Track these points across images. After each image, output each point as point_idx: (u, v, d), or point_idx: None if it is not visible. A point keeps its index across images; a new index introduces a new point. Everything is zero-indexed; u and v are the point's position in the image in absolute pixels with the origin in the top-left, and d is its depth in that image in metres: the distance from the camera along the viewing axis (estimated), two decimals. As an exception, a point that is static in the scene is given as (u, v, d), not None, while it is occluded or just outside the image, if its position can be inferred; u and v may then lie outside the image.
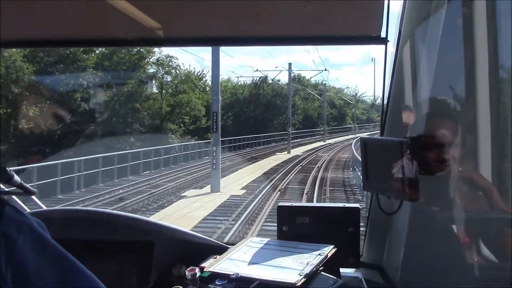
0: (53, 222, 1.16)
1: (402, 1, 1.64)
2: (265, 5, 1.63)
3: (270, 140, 46.56)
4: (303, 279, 1.52)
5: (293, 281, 1.51)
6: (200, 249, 1.89)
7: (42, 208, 2.23)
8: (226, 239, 9.51)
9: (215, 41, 2.10)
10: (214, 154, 18.38)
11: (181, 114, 38.33)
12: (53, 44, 2.77)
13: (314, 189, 17.61)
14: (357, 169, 19.72)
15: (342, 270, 1.82)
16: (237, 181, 20.34)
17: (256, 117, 53.91)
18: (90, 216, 2.09)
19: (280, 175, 21.80)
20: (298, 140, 51.44)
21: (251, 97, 55.75)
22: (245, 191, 17.48)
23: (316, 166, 25.43)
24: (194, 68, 63.62)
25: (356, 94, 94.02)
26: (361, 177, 2.22)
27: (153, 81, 36.47)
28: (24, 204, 2.21)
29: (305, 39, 1.86)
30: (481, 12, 1.40)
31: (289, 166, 25.56)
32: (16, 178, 1.37)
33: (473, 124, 1.45)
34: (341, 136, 66.39)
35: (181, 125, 38.21)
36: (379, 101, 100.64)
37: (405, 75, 1.77)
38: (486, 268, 1.42)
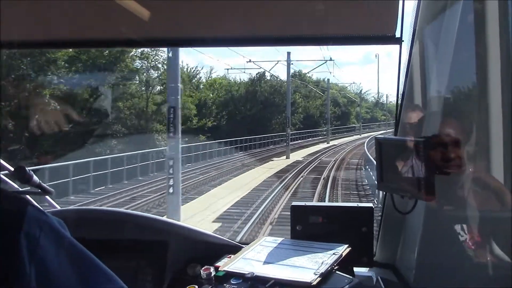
0: (68, 222, 1.18)
1: (417, 1, 1.64)
2: (279, 4, 1.63)
3: (268, 142, 43.47)
4: (319, 278, 1.52)
5: (309, 280, 1.51)
6: (214, 248, 1.90)
7: (57, 208, 2.25)
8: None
9: (226, 42, 2.10)
10: (171, 171, 11.99)
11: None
12: (54, 45, 2.78)
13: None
14: (369, 169, 18.89)
15: (356, 269, 1.82)
16: (207, 209, 14.27)
17: (253, 116, 50.20)
18: (105, 215, 2.11)
19: (274, 194, 15.89)
20: (299, 141, 48.63)
21: (247, 94, 51.98)
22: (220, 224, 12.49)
23: (322, 178, 19.81)
24: (187, 64, 60.29)
25: (360, 92, 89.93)
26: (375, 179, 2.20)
27: (137, 77, 33.00)
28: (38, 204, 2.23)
29: (319, 39, 1.86)
30: (494, 11, 1.40)
31: (287, 179, 19.87)
32: (35, 178, 1.39)
33: (486, 123, 1.45)
34: (345, 137, 63.55)
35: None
36: (383, 99, 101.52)
37: (420, 75, 1.77)
38: (499, 268, 1.42)
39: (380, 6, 1.60)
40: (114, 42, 2.16)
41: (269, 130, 47.90)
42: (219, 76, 53.12)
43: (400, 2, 1.55)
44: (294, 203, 1.98)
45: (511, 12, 1.36)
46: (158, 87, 35.34)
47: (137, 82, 33.50)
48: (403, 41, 1.67)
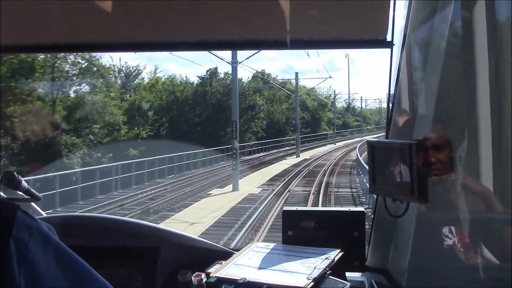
0: (56, 229, 1.16)
1: (407, 5, 1.65)
2: (269, 8, 1.63)
3: (218, 157, 32.67)
4: (312, 283, 1.51)
5: (302, 285, 1.50)
6: (205, 254, 1.87)
7: (42, 215, 2.21)
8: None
9: (217, 45, 2.10)
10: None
11: (87, 121, 26.91)
12: (51, 49, 2.76)
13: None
14: (361, 174, 18.64)
15: (348, 274, 1.82)
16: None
17: (202, 123, 40.84)
18: (93, 222, 2.08)
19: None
20: (259, 155, 39.10)
21: (196, 96, 41.67)
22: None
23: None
24: (125, 63, 48.28)
25: (330, 95, 77.99)
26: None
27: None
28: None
29: (310, 43, 1.86)
30: (482, 17, 1.42)
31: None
32: (24, 183, 1.36)
33: (476, 126, 1.46)
34: (317, 146, 54.18)
35: (89, 137, 26.94)
36: (355, 103, 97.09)
37: (411, 78, 1.78)
38: (491, 270, 1.43)
39: (372, 10, 1.61)
40: (112, 47, 2.14)
41: (222, 142, 38.15)
42: (165, 77, 43.78)
43: (391, 7, 1.56)
44: (285, 208, 1.96)
45: (499, 17, 1.38)
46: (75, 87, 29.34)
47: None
48: (394, 44, 1.68)
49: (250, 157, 37.89)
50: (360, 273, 1.92)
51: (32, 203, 2.08)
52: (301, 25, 1.73)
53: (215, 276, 1.63)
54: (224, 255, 1.82)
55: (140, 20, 1.76)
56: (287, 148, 48.20)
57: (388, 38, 1.67)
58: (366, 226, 1.89)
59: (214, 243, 1.99)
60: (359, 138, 67.73)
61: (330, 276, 1.60)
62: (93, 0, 1.62)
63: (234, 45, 2.08)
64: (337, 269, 1.68)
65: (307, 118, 63.51)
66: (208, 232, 12.31)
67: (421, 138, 1.52)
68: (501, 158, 1.39)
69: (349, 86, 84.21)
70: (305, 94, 65.96)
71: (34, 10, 1.68)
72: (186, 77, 57.19)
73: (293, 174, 25.19)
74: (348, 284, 1.57)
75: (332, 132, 67.74)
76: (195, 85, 44.64)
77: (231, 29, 1.82)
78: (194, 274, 1.66)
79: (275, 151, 45.00)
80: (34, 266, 1.00)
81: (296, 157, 38.10)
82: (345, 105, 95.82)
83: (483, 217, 1.49)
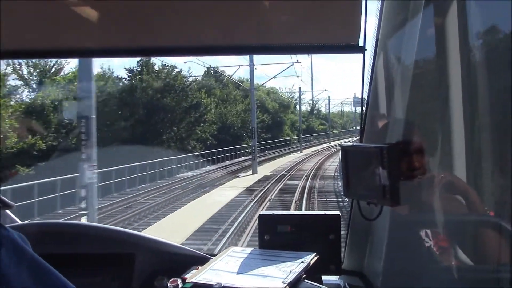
0: (30, 237, 1.14)
1: (379, 10, 1.67)
2: (244, 14, 1.64)
3: (155, 172, 25.46)
4: (287, 287, 1.51)
5: None
6: (181, 260, 1.87)
7: (17, 222, 2.17)
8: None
9: (197, 51, 2.10)
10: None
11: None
12: (53, 55, 2.72)
13: None
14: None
15: (324, 277, 1.83)
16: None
17: (133, 127, 31.18)
18: (68, 229, 2.05)
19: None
20: (206, 170, 29.85)
21: (124, 95, 31.93)
22: None
23: None
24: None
25: (293, 97, 68.86)
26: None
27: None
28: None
29: (285, 48, 1.88)
30: (454, 20, 1.44)
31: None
32: None
33: (449, 129, 1.48)
34: (280, 155, 44.45)
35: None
36: (320, 105, 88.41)
37: (383, 83, 1.81)
38: (467, 272, 1.45)
39: (343, 16, 1.64)
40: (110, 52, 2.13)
41: (157, 153, 28.92)
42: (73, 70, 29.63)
43: (363, 12, 1.58)
44: (261, 213, 1.97)
45: (470, 21, 1.40)
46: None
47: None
48: (366, 50, 1.70)
49: (190, 174, 28.86)
50: (336, 276, 1.93)
51: (8, 211, 2.04)
52: (272, 31, 1.75)
53: (191, 282, 1.62)
54: (201, 260, 1.82)
55: (127, 26, 1.76)
56: (243, 158, 39.14)
57: (360, 44, 1.70)
58: (342, 230, 1.91)
59: (190, 249, 1.98)
60: (327, 144, 62.51)
61: (305, 280, 1.61)
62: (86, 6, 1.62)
63: (205, 51, 2.08)
64: (313, 272, 1.68)
65: (268, 121, 54.64)
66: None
67: (394, 141, 1.54)
68: (474, 160, 1.41)
69: (312, 87, 77.67)
70: (265, 94, 59.27)
71: (14, 14, 1.66)
72: (110, 69, 42.24)
73: (249, 204, 16.97)
74: (322, 287, 1.58)
75: (296, 137, 58.89)
76: (123, 79, 34.62)
77: (204, 35, 1.82)
78: (170, 280, 1.65)
79: (227, 163, 35.28)
80: (5, 278, 0.98)
81: (253, 173, 28.52)
82: (309, 108, 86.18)
83: (457, 218, 1.51)
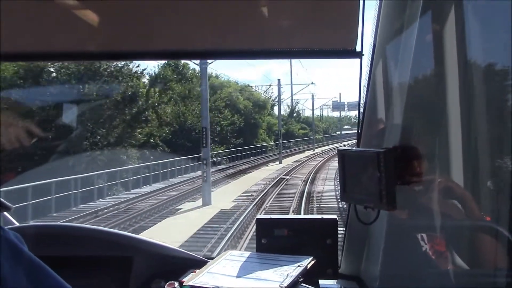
0: (27, 239, 1.14)
1: (377, 16, 1.68)
2: (243, 18, 1.65)
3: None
4: None
5: None
6: (179, 263, 1.87)
7: (15, 224, 2.17)
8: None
9: (194, 55, 2.11)
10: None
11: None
12: (52, 58, 2.72)
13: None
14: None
15: (321, 282, 1.83)
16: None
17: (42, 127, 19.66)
18: (66, 231, 2.06)
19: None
20: (127, 198, 19.46)
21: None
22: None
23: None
24: None
25: (270, 98, 58.10)
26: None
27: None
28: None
29: (284, 53, 1.89)
30: (451, 26, 1.45)
31: None
32: None
33: (446, 134, 1.49)
34: (253, 167, 33.14)
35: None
36: (299, 107, 79.02)
37: (380, 88, 1.82)
38: (463, 276, 1.45)
39: (341, 21, 1.65)
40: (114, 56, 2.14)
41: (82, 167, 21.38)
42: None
43: (360, 17, 1.60)
44: (259, 217, 1.98)
45: (468, 27, 1.41)
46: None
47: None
48: (363, 55, 1.71)
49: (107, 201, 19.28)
50: (333, 281, 1.94)
51: (5, 213, 2.04)
52: (270, 35, 1.76)
53: (188, 285, 1.62)
54: (198, 263, 1.82)
55: (127, 29, 1.77)
56: (196, 174, 25.87)
57: (358, 49, 1.71)
58: (340, 234, 1.92)
59: (188, 252, 1.99)
60: (311, 151, 53.31)
61: (302, 284, 1.61)
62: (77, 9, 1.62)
63: (203, 55, 2.10)
64: (310, 276, 1.69)
65: (239, 123, 44.31)
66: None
67: (391, 146, 1.55)
68: (470, 165, 1.42)
69: (291, 85, 63.37)
70: (237, 90, 48.63)
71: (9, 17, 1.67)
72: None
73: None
74: None
75: (274, 143, 48.86)
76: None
77: (202, 39, 1.83)
78: (167, 283, 1.66)
79: (174, 181, 24.82)
80: (1, 277, 0.98)
81: (204, 205, 17.90)
82: (288, 110, 75.60)
83: (454, 223, 1.52)
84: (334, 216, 1.95)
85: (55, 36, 1.83)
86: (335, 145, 66.95)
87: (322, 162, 35.43)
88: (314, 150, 54.67)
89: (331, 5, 1.58)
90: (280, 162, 37.04)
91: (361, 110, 1.85)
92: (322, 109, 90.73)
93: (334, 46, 1.80)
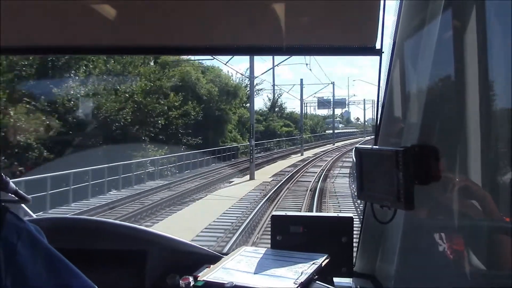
0: (44, 231, 1.16)
1: (397, 13, 1.67)
2: (263, 14, 1.65)
3: None
4: None
5: None
6: (193, 258, 1.88)
7: (32, 216, 2.20)
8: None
9: (214, 51, 2.12)
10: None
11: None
12: (55, 51, 2.74)
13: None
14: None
15: (335, 280, 1.83)
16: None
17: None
18: (82, 224, 2.08)
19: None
20: None
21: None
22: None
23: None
24: None
25: (244, 82, 42.79)
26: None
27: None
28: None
29: (299, 50, 1.89)
30: (473, 24, 1.44)
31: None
32: (12, 185, 1.36)
33: (465, 133, 1.47)
34: (214, 187, 20.89)
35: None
36: (282, 100, 64.57)
37: (399, 86, 1.80)
38: (481, 277, 1.44)
39: (361, 18, 1.64)
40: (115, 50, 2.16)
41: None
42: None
43: (381, 15, 1.58)
44: (274, 213, 1.98)
45: (489, 25, 1.40)
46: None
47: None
48: (383, 52, 1.70)
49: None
50: (348, 279, 1.93)
51: (22, 205, 2.07)
52: (291, 32, 1.75)
53: (203, 280, 1.63)
54: (212, 259, 1.83)
55: (139, 24, 1.77)
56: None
57: (377, 46, 1.69)
58: (355, 232, 1.91)
59: (202, 247, 1.99)
60: (300, 156, 38.62)
61: (317, 281, 1.61)
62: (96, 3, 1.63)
63: (222, 51, 2.10)
64: (324, 274, 1.69)
65: (196, 114, 31.72)
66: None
67: (409, 145, 1.53)
68: (490, 165, 1.40)
69: (273, 72, 56.93)
70: (197, 71, 34.98)
71: (26, 12, 1.68)
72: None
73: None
74: None
75: (248, 143, 30.23)
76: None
77: (221, 35, 1.83)
78: (182, 278, 1.66)
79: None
80: (22, 268, 1.01)
81: None
82: (268, 103, 61.11)
83: (472, 223, 1.50)
84: (350, 215, 1.94)
85: (70, 30, 1.84)
86: (328, 146, 54.22)
87: (322, 178, 22.69)
88: (302, 155, 39.91)
89: (351, 2, 1.57)
90: (253, 178, 23.45)
91: (380, 108, 1.83)
92: (306, 105, 76.93)
93: (353, 43, 1.79)
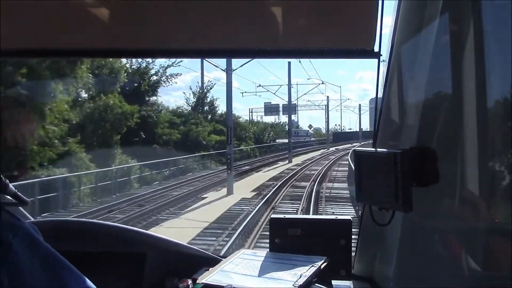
0: (43, 234, 1.16)
1: (395, 16, 1.67)
2: (260, 17, 1.65)
3: None
4: None
5: None
6: (192, 261, 1.88)
7: (31, 219, 2.20)
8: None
9: (211, 53, 2.12)
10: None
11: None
12: (52, 54, 2.73)
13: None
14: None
15: (334, 282, 1.83)
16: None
17: None
18: (80, 227, 2.07)
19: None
20: None
21: None
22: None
23: None
24: None
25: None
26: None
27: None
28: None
29: (297, 52, 1.89)
30: (470, 28, 1.44)
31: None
32: (11, 187, 1.35)
33: (463, 135, 1.48)
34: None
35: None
36: (213, 96, 51.66)
37: (397, 88, 1.80)
38: (477, 279, 1.44)
39: (359, 21, 1.64)
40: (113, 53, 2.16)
41: None
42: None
43: (379, 17, 1.59)
44: (273, 216, 1.98)
45: (486, 29, 1.40)
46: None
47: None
48: (381, 55, 1.70)
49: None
50: (346, 281, 1.93)
51: (20, 208, 2.07)
52: (288, 35, 1.75)
53: (202, 283, 1.63)
54: (211, 261, 1.83)
55: (134, 27, 1.77)
56: None
57: (376, 49, 1.70)
58: (353, 235, 1.91)
59: (201, 249, 1.99)
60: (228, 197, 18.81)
61: (316, 284, 1.61)
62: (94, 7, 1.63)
63: (224, 53, 2.11)
64: (323, 277, 1.69)
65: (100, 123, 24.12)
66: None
67: (407, 147, 1.54)
68: (487, 167, 1.40)
69: (202, 63, 43.75)
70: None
71: (21, 14, 1.68)
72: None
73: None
74: None
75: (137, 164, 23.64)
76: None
77: (223, 38, 1.83)
78: (180, 280, 1.66)
79: None
80: (18, 267, 1.00)
81: None
82: (191, 97, 43.85)
83: (468, 226, 1.51)
84: (348, 217, 1.94)
85: (65, 33, 1.83)
86: (285, 166, 33.41)
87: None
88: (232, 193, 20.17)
89: (348, 4, 1.57)
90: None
91: (378, 111, 1.84)
92: (252, 112, 71.02)
93: (351, 46, 1.79)
